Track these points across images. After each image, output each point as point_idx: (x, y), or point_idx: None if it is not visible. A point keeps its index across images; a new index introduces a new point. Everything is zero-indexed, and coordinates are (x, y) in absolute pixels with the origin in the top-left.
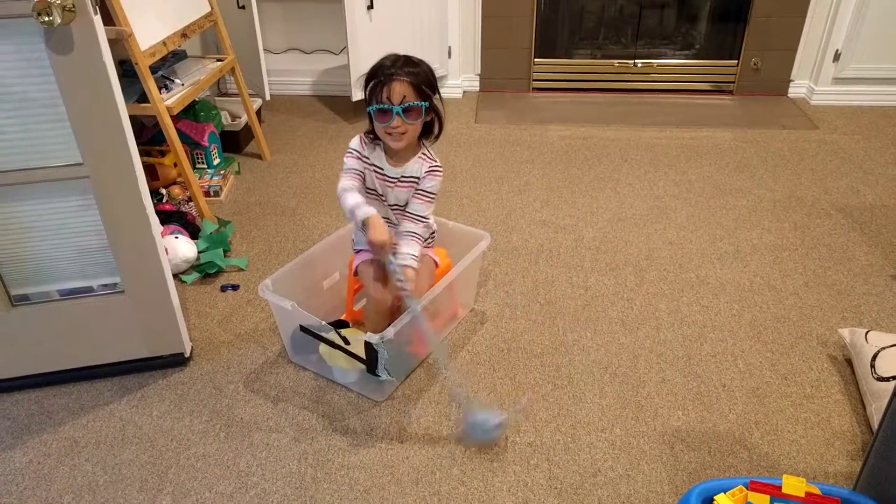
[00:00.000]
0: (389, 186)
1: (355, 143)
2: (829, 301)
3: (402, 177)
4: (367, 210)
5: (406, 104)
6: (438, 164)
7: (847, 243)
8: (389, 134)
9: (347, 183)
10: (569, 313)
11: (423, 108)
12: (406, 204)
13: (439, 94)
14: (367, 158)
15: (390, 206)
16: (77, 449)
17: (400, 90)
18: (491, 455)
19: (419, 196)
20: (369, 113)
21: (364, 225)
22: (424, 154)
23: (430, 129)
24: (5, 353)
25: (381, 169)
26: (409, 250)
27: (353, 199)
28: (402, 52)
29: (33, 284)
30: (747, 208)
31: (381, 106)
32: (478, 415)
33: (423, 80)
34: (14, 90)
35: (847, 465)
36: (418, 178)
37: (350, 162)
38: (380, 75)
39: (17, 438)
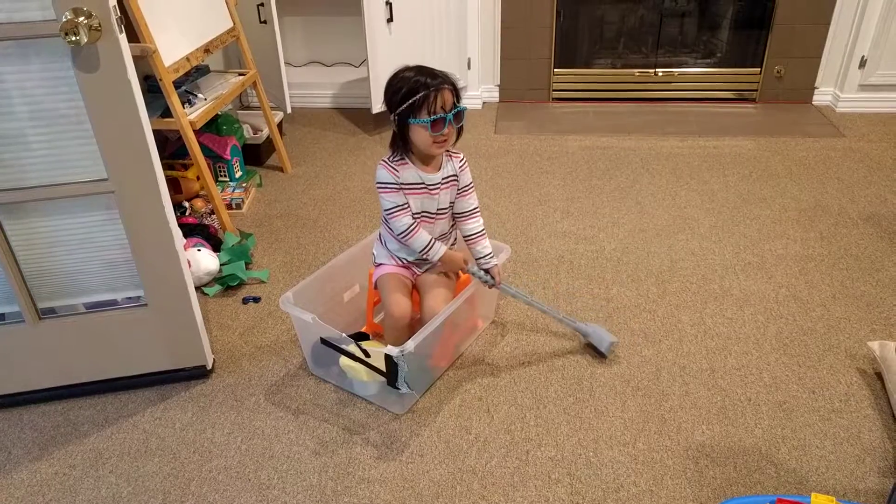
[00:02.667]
0: (434, 194)
1: (385, 176)
2: (858, 313)
3: (443, 178)
4: (439, 249)
5: (455, 110)
6: (462, 154)
7: (875, 253)
8: (437, 143)
9: (407, 220)
10: None
11: (463, 112)
12: (450, 205)
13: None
14: (404, 185)
15: (438, 211)
16: (102, 460)
17: (449, 98)
18: (512, 469)
19: (466, 192)
20: (407, 125)
21: (440, 261)
22: (448, 151)
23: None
24: (33, 364)
25: (422, 182)
26: (487, 251)
27: (421, 240)
28: (422, 64)
29: (60, 298)
30: (772, 218)
31: (437, 116)
32: (596, 329)
33: (457, 87)
34: (42, 108)
35: (878, 482)
36: (456, 175)
37: (392, 198)
38: (427, 88)
39: (43, 449)
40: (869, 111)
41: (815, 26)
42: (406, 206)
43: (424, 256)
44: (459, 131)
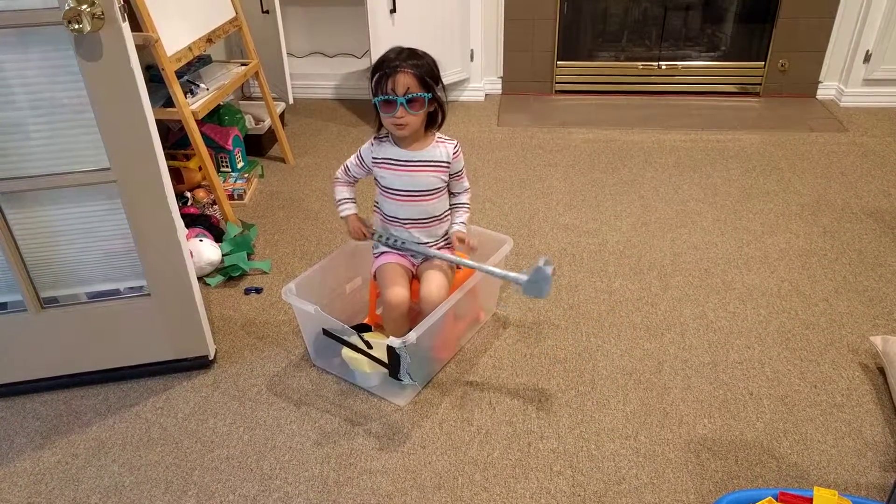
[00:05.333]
0: (412, 171)
1: (363, 148)
2: (860, 308)
3: (425, 161)
4: (345, 208)
5: (409, 95)
6: (456, 142)
7: (878, 248)
8: (393, 124)
9: (339, 173)
10: (592, 318)
11: (426, 99)
12: (432, 189)
13: (442, 85)
14: (377, 159)
15: (415, 192)
16: (104, 450)
17: (404, 81)
18: (514, 461)
19: (458, 176)
20: (374, 104)
21: (344, 221)
22: (441, 139)
23: (434, 119)
24: (35, 354)
25: (396, 158)
26: (458, 219)
27: (337, 192)
28: (413, 47)
29: (62, 287)
30: (775, 212)
31: (386, 97)
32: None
33: (427, 71)
34: (44, 96)
35: (880, 476)
36: (447, 162)
37: (351, 162)
38: (385, 67)
39: (45, 438)
40: (873, 106)
41: (820, 20)
42: (351, 174)
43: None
44: (433, 117)
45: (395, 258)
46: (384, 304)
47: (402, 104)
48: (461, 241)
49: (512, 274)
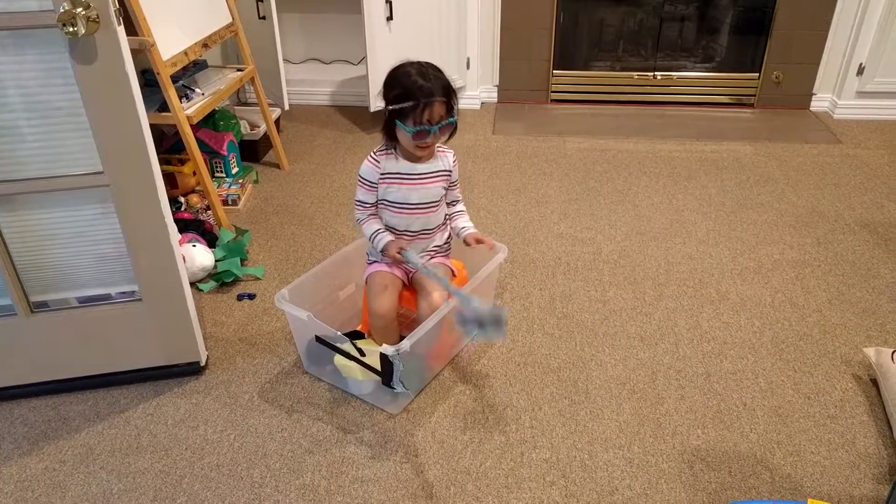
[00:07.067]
0: (419, 184)
1: (365, 170)
2: (854, 319)
3: (433, 171)
4: (381, 239)
5: (443, 122)
6: (452, 150)
7: (871, 260)
8: (420, 147)
9: (361, 215)
10: (586, 327)
11: (455, 123)
12: (439, 199)
13: (456, 100)
14: (385, 174)
15: (420, 204)
16: (92, 456)
17: (439, 111)
18: (506, 471)
19: (454, 186)
20: (394, 125)
21: (383, 251)
22: (439, 148)
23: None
24: (24, 358)
25: (407, 173)
26: (469, 222)
27: (369, 229)
28: (428, 62)
29: (52, 291)
30: (769, 223)
31: (421, 128)
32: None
33: (454, 96)
34: (37, 99)
35: (873, 489)
36: (449, 170)
37: (362, 194)
38: (420, 96)
39: (33, 444)
40: (866, 118)
41: (814, 33)
42: (369, 205)
43: (373, 244)
44: (452, 133)
45: (388, 267)
46: (371, 314)
47: (434, 132)
48: (479, 241)
49: (475, 304)
